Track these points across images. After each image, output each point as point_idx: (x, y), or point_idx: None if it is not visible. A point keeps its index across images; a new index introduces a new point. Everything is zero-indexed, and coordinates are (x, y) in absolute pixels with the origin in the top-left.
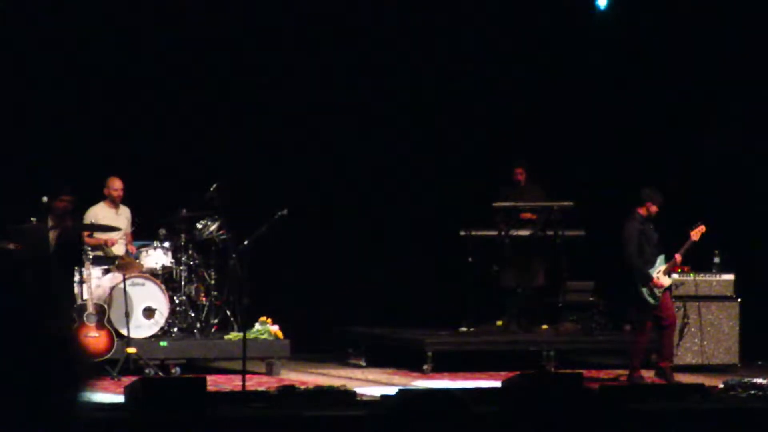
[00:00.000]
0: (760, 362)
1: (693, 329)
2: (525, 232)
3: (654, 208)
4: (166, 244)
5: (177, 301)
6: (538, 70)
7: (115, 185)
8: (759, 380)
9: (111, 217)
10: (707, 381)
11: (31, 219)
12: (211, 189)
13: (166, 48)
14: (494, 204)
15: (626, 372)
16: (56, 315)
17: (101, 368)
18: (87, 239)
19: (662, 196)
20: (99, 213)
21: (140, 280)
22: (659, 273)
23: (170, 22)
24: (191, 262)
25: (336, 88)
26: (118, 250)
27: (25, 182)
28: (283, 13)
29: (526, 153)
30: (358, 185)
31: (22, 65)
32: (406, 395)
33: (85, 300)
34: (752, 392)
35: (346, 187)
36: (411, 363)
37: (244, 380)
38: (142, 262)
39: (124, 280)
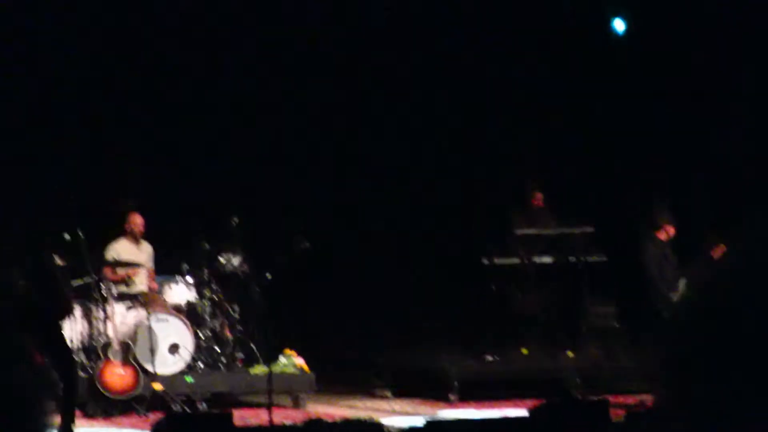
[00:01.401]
0: None
1: None
2: (547, 259)
3: (672, 231)
4: (189, 279)
5: (201, 336)
6: (554, 93)
7: (136, 221)
8: None
9: (132, 252)
10: None
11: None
12: (233, 222)
13: (187, 80)
14: (515, 232)
15: (651, 396)
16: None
17: (128, 405)
18: (110, 275)
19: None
20: (120, 249)
21: (164, 316)
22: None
23: (182, 52)
24: (215, 297)
25: (359, 118)
26: (142, 286)
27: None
28: (309, 46)
29: (540, 177)
30: (381, 215)
31: (43, 101)
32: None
33: (110, 337)
34: None
35: (370, 217)
36: (437, 392)
37: (270, 414)
38: (165, 298)
39: (149, 316)
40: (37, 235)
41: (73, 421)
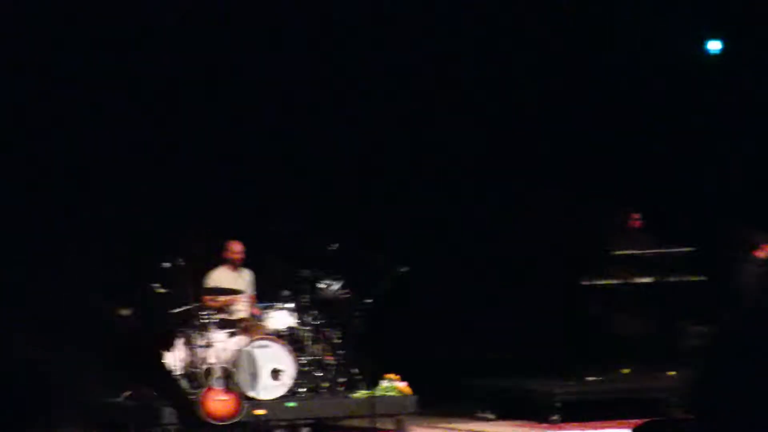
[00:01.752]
0: None
1: None
2: (646, 280)
3: None
4: (290, 305)
5: (303, 362)
6: (654, 114)
7: (235, 248)
8: None
9: (232, 279)
10: None
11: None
12: (332, 248)
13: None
14: (614, 253)
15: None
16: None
17: (231, 431)
18: (210, 303)
19: None
20: (220, 277)
21: (265, 342)
22: None
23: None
24: (315, 322)
25: (450, 141)
26: (242, 313)
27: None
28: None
29: (637, 200)
30: (480, 239)
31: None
32: None
33: (212, 364)
34: None
35: (468, 239)
36: (539, 414)
37: None
38: (266, 324)
39: (250, 342)
40: (140, 265)
41: None
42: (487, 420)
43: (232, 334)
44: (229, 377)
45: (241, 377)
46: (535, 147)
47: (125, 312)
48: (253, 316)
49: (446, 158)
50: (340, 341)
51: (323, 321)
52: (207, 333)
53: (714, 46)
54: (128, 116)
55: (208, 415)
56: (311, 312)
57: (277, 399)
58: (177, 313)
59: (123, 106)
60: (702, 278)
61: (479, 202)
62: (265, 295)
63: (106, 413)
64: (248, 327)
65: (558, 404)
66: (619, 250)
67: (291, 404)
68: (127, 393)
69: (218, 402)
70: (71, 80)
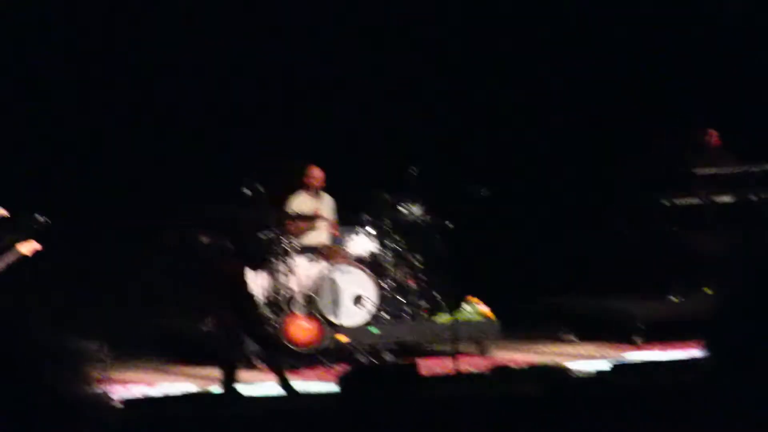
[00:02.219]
0: None
1: None
2: (727, 199)
3: None
4: (371, 230)
5: (385, 287)
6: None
7: (315, 174)
8: None
9: (313, 205)
10: None
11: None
12: (412, 172)
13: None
14: (693, 170)
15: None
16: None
17: (313, 358)
18: (291, 229)
19: None
20: (300, 202)
21: (347, 267)
22: None
23: None
24: (396, 247)
25: (534, 68)
26: (323, 238)
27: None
28: None
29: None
30: (559, 160)
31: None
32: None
33: (294, 290)
34: None
35: (549, 163)
36: (622, 335)
37: (456, 362)
38: (347, 249)
39: (331, 268)
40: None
41: (283, 375)
42: (570, 342)
43: (314, 260)
44: (311, 303)
45: (323, 303)
46: (612, 70)
47: (205, 238)
48: (334, 241)
49: (524, 85)
50: (421, 265)
51: (405, 245)
52: (288, 259)
53: None
54: None
55: (291, 341)
56: (392, 236)
57: (359, 325)
58: (260, 239)
59: None
60: None
61: (556, 123)
62: (347, 221)
63: (188, 342)
64: (330, 253)
65: (641, 325)
66: (698, 168)
67: (373, 330)
68: (210, 321)
69: (300, 329)
70: None
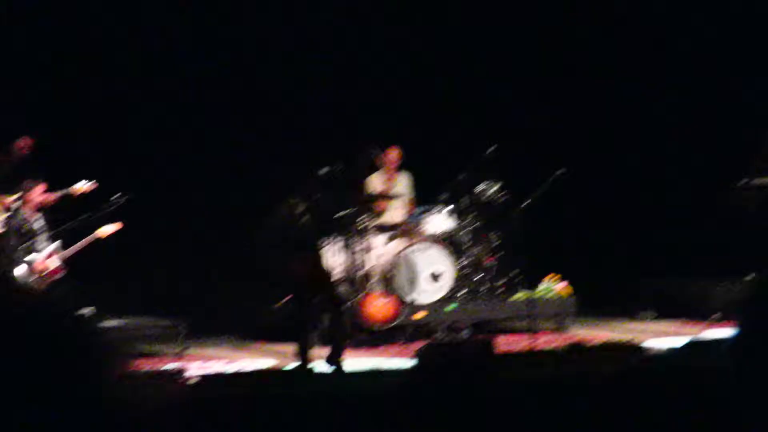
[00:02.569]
0: None
1: None
2: None
3: None
4: (448, 209)
5: (462, 265)
6: None
7: (392, 154)
8: None
9: (389, 185)
10: None
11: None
12: (490, 151)
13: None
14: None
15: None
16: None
17: (391, 335)
18: (369, 208)
19: None
20: (378, 181)
21: (424, 246)
22: None
23: None
24: (473, 225)
25: (609, 52)
26: (401, 217)
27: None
28: None
29: None
30: (635, 141)
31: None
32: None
33: (371, 268)
34: None
35: (624, 143)
36: (700, 313)
37: (533, 339)
38: (424, 228)
39: (408, 246)
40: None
41: (340, 354)
42: (648, 319)
43: (391, 239)
44: (388, 281)
45: (400, 281)
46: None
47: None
48: (411, 219)
49: (603, 64)
50: (498, 243)
51: (481, 224)
52: (366, 237)
53: None
54: None
55: (368, 319)
56: (470, 215)
57: (436, 302)
58: (337, 217)
59: None
60: None
61: (634, 103)
62: (424, 199)
63: (264, 320)
64: (407, 231)
65: (719, 303)
66: None
67: (450, 307)
68: (287, 299)
69: (377, 306)
70: None
